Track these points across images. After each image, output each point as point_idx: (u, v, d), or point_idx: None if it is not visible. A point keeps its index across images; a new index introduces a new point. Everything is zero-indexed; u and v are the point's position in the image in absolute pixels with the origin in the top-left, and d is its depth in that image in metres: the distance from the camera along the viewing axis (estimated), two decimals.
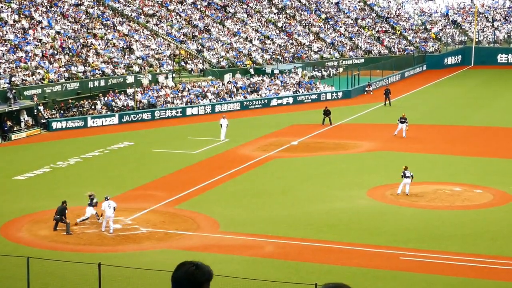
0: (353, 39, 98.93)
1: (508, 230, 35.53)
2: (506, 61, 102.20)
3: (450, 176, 45.41)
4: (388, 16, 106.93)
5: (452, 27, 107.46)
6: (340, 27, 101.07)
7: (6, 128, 57.99)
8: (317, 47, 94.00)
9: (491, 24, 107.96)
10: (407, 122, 56.27)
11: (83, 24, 77.39)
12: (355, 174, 46.26)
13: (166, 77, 74.85)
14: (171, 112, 67.71)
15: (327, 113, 62.58)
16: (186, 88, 72.86)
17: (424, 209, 38.74)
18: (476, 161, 49.82)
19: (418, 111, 68.20)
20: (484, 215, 37.89)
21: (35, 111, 61.51)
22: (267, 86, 77.39)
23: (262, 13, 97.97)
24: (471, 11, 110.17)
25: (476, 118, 65.95)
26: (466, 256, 31.65)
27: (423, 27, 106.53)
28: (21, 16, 73.12)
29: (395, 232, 34.89)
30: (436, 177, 45.27)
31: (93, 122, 63.51)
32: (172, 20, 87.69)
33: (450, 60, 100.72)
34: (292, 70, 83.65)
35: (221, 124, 56.76)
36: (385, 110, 70.22)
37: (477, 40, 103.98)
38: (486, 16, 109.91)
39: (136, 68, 74.34)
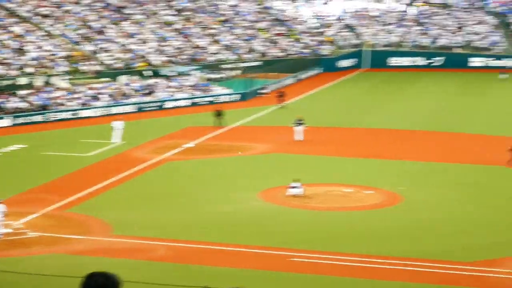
0: (250, 41, 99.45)
1: (397, 230, 36.34)
2: (398, 64, 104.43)
3: (341, 178, 46.10)
4: (285, 19, 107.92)
5: (347, 30, 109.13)
6: (237, 29, 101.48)
7: None
8: (214, 50, 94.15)
9: (385, 28, 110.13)
10: (304, 124, 56.81)
11: None
12: (249, 176, 46.54)
13: (61, 79, 73.75)
14: (65, 114, 66.78)
15: (218, 114, 62.70)
16: (81, 90, 71.96)
17: (316, 210, 39.25)
18: (367, 163, 50.72)
19: (313, 113, 68.93)
20: (375, 215, 38.64)
21: None
22: (163, 88, 77.12)
23: (159, 15, 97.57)
24: (366, 15, 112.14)
25: (368, 120, 67.08)
26: (357, 256, 32.19)
27: (319, 30, 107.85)
28: None
29: (286, 234, 35.25)
30: (328, 178, 45.90)
31: None
32: (67, 21, 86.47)
33: (345, 63, 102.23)
34: (189, 72, 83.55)
35: (112, 127, 56.28)
36: (280, 112, 70.81)
37: (371, 43, 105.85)
38: (380, 20, 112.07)
39: (29, 70, 73.03)
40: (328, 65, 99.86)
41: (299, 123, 56.96)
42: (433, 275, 30.64)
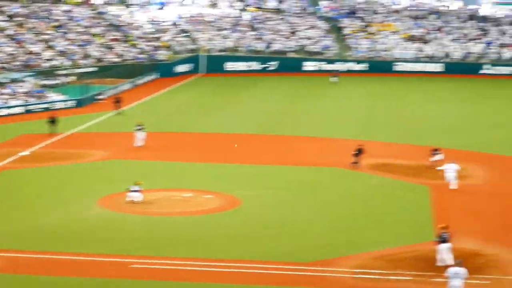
0: (85, 47, 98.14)
1: (237, 233, 36.83)
2: (234, 69, 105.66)
3: (181, 182, 46.28)
4: (120, 24, 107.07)
5: (182, 35, 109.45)
6: (72, 35, 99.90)
7: None
8: (49, 56, 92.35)
9: (220, 33, 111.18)
10: (144, 129, 56.56)
11: None
12: (88, 183, 46.00)
13: None
14: None
15: (52, 121, 61.56)
16: None
17: (156, 216, 39.29)
18: (206, 167, 51.10)
19: (151, 119, 68.83)
20: (214, 219, 39.01)
21: None
22: None
23: None
24: (201, 20, 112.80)
25: (206, 125, 67.60)
26: (196, 261, 32.42)
27: (155, 35, 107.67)
28: None
29: (126, 240, 35.15)
30: (168, 183, 45.98)
31: None
32: None
33: (182, 68, 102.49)
34: (23, 79, 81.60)
35: None
36: (117, 118, 70.28)
37: (207, 48, 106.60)
38: (215, 25, 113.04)
39: None
40: (165, 71, 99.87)
41: (140, 128, 56.74)
42: (274, 277, 31.23)
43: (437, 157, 50.39)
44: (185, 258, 32.73)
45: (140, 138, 56.40)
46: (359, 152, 50.57)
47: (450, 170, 46.31)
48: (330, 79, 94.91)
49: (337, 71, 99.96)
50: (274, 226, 38.11)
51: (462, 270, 28.22)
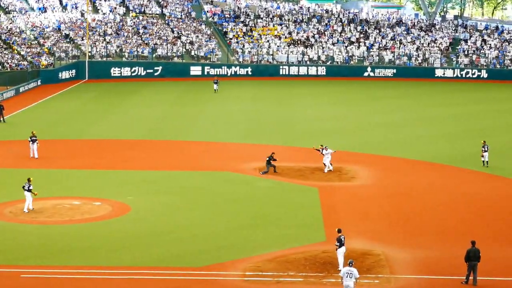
0: None
1: (127, 239, 36.61)
2: (119, 75, 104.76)
3: (69, 190, 45.68)
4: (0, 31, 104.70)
5: (65, 41, 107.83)
6: None
7: None
8: None
9: (103, 38, 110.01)
10: (36, 141, 54.58)
11: None
12: None
13: None
14: None
15: None
16: None
17: (44, 224, 38.67)
18: (93, 174, 50.56)
19: (35, 127, 67.57)
20: (104, 227, 38.67)
21: None
22: None
23: None
24: (83, 25, 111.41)
25: (92, 131, 66.84)
26: (86, 269, 32.15)
27: (36, 41, 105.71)
28: None
29: (15, 250, 34.50)
30: (56, 191, 45.28)
31: None
32: None
33: (65, 75, 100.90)
34: None
35: None
36: (0, 127, 68.44)
37: (90, 54, 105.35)
38: (98, 30, 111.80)
39: None
40: (47, 77, 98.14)
41: (34, 139, 54.57)
42: (166, 282, 31.21)
43: (326, 151, 51.18)
44: (76, 267, 32.39)
45: (34, 149, 54.36)
46: (270, 159, 50.82)
47: (327, 155, 50.53)
48: (214, 86, 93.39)
49: (217, 75, 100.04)
50: (165, 231, 38.05)
51: (354, 270, 28.82)
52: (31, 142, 54.44)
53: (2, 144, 60.41)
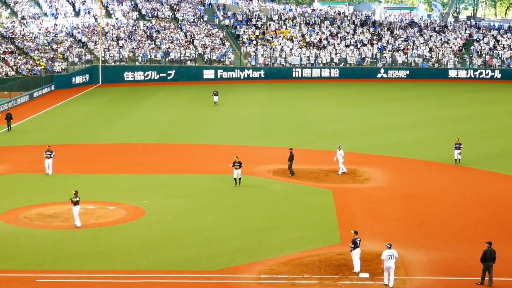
0: None
1: (142, 244, 36.62)
2: (132, 79, 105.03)
3: (84, 195, 45.58)
4: (13, 36, 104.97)
5: (78, 46, 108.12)
6: None
7: None
8: None
9: (116, 43, 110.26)
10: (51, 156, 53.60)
11: None
12: None
13: None
14: None
15: None
16: None
17: (59, 229, 38.74)
18: (107, 178, 50.65)
19: (48, 132, 67.88)
20: (119, 231, 38.71)
21: None
22: None
23: None
24: (96, 30, 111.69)
25: (106, 135, 67.00)
26: (102, 273, 32.19)
27: (50, 47, 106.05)
28: None
29: (30, 255, 34.56)
30: (70, 196, 45.19)
31: None
32: None
33: (78, 79, 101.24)
34: None
35: None
36: (7, 135, 67.88)
37: (103, 58, 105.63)
38: (111, 35, 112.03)
39: None
40: (61, 82, 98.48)
41: (50, 154, 53.00)
42: (181, 286, 31.22)
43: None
44: (91, 271, 32.43)
45: (50, 164, 51.18)
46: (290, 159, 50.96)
47: (339, 157, 50.91)
48: (214, 97, 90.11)
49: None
50: (179, 234, 38.07)
51: (394, 252, 30.56)
52: (46, 158, 51.16)
53: (18, 149, 60.60)
